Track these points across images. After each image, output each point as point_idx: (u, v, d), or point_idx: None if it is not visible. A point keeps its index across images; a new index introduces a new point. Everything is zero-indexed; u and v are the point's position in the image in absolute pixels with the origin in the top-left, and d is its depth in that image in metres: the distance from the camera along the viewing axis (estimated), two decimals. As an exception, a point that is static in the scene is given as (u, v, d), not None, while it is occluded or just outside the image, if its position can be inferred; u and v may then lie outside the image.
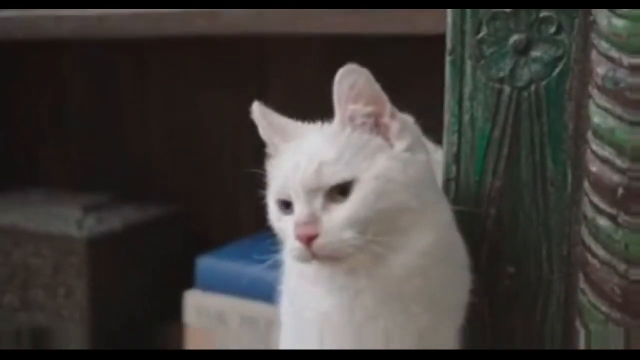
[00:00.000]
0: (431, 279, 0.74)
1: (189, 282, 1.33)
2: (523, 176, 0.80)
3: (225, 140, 1.51)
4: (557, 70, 0.78)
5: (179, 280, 1.35)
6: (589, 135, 0.75)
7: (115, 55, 1.55)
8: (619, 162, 0.73)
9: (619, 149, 0.72)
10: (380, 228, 0.71)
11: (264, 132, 0.79)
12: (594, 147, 0.75)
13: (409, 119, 0.79)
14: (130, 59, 1.55)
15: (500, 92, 0.80)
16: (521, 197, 0.80)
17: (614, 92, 0.72)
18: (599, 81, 0.73)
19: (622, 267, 0.73)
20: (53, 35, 1.21)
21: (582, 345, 0.77)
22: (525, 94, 0.79)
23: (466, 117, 0.81)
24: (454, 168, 0.83)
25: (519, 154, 0.80)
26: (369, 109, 0.74)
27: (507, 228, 0.81)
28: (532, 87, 0.79)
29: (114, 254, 1.40)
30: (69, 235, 1.38)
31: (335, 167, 0.72)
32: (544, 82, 0.78)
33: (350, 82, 0.73)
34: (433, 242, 0.73)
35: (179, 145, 1.55)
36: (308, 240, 0.70)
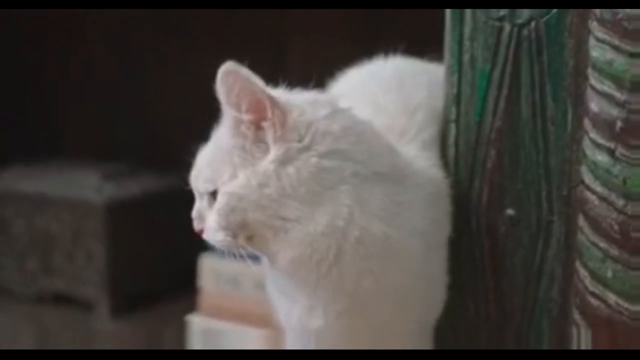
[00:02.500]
0: None
1: (205, 247, 1.34)
2: (523, 115, 0.79)
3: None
4: (557, 6, 0.77)
5: (196, 246, 1.36)
6: (589, 70, 0.74)
7: (138, 25, 1.57)
8: (617, 95, 0.71)
9: (618, 82, 0.71)
10: (250, 235, 0.73)
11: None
12: (592, 81, 0.73)
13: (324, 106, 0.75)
14: (152, 29, 1.57)
15: (500, 30, 0.79)
16: (521, 137, 0.79)
17: (612, 22, 0.71)
18: (598, 13, 0.72)
19: (620, 202, 0.71)
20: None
21: (581, 286, 0.75)
22: (525, 31, 0.78)
23: (466, 57, 0.81)
24: (454, 110, 0.81)
25: (519, 93, 0.79)
26: (249, 116, 0.72)
27: (508, 169, 0.80)
28: (532, 25, 0.78)
29: (132, 220, 1.42)
30: (89, 201, 1.40)
31: (204, 174, 0.75)
32: (544, 19, 0.77)
33: (229, 84, 0.72)
34: (292, 259, 0.73)
35: (197, 115, 1.56)
36: (199, 233, 0.76)
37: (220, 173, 0.73)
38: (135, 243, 1.41)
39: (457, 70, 0.81)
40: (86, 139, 1.67)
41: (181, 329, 1.33)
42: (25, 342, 1.39)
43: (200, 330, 1.32)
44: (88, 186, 1.42)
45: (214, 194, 0.74)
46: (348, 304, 0.74)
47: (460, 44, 0.81)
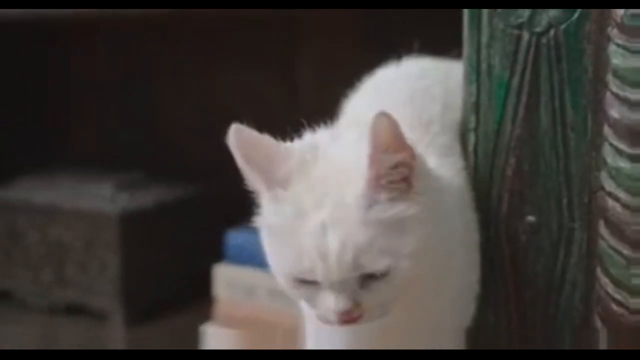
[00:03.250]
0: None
1: (219, 256, 1.34)
2: (543, 123, 0.79)
3: (255, 118, 1.52)
4: (576, 13, 0.76)
5: (209, 255, 1.36)
6: (609, 77, 0.74)
7: (148, 34, 1.57)
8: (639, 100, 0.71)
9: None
10: None
11: (246, 162, 0.70)
12: (613, 88, 0.73)
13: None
14: (162, 37, 1.57)
15: (518, 38, 0.79)
16: (541, 145, 0.79)
17: (633, 28, 0.71)
18: (618, 19, 0.72)
19: (643, 208, 0.72)
20: (86, 14, 1.23)
21: (603, 293, 0.75)
22: (544, 39, 0.78)
23: (484, 66, 0.80)
24: (473, 118, 0.81)
25: (539, 101, 0.79)
26: (398, 157, 0.66)
27: (528, 177, 0.80)
28: (551, 32, 0.77)
29: (145, 230, 1.42)
30: (102, 211, 1.40)
31: (371, 255, 0.65)
32: (562, 26, 0.77)
33: (382, 128, 0.65)
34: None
35: (209, 124, 1.56)
36: (350, 323, 0.67)
37: (392, 244, 0.66)
38: (149, 253, 1.41)
39: (476, 79, 0.80)
40: (99, 150, 1.68)
41: (195, 339, 1.33)
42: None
43: (215, 340, 1.32)
44: (101, 196, 1.42)
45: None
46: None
47: (478, 52, 0.80)
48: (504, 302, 0.82)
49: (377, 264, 0.65)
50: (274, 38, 1.49)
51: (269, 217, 0.69)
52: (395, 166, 0.66)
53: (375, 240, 0.65)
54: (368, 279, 0.66)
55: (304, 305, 0.78)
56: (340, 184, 0.66)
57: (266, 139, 0.70)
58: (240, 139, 0.69)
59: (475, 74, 0.81)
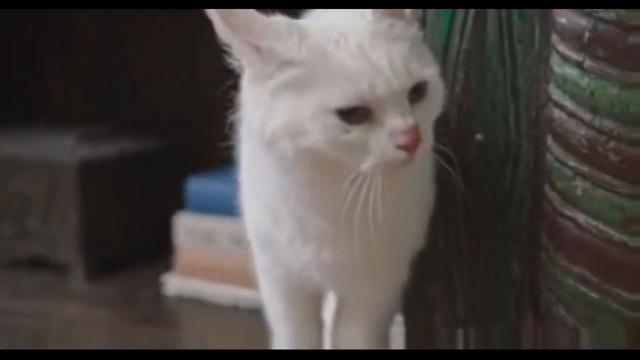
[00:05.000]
0: None
1: (181, 207, 1.32)
2: (489, 35, 0.76)
3: (220, 73, 1.50)
4: None
5: (172, 207, 1.34)
6: (556, -19, 0.71)
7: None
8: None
9: (585, -10, 0.68)
10: None
11: (240, 37, 0.68)
12: (560, -8, 0.71)
13: None
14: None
15: (465, -52, 0.76)
16: (489, 58, 0.76)
17: None
18: None
19: (588, 116, 0.69)
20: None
21: (549, 208, 0.73)
22: (490, -53, 0.75)
23: (431, -22, 0.78)
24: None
25: (485, 11, 0.76)
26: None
27: (475, 93, 0.78)
28: (498, -61, 0.75)
29: (106, 181, 1.39)
30: (62, 162, 1.37)
31: (415, 63, 0.67)
32: None
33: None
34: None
35: (174, 78, 1.55)
36: (415, 147, 0.66)
37: (422, 58, 0.69)
38: (110, 204, 1.38)
39: (422, -8, 0.78)
40: (67, 103, 1.66)
41: (157, 289, 1.31)
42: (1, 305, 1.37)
43: (176, 290, 1.29)
44: (62, 147, 1.40)
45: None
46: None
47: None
48: (453, 223, 0.80)
49: (424, 71, 0.68)
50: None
51: (284, 74, 0.67)
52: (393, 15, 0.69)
53: (411, 52, 0.68)
54: (414, 97, 0.67)
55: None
56: (350, 26, 0.68)
57: (249, 12, 0.68)
58: (233, 19, 0.67)
59: (421, -12, 0.78)
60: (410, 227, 0.77)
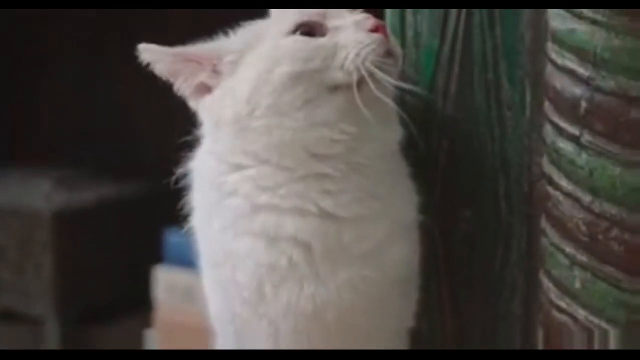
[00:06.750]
0: None
1: (159, 258, 1.25)
2: (476, 100, 0.68)
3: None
4: (511, -29, 0.65)
5: (150, 255, 1.26)
6: (548, 44, 0.63)
7: (100, 31, 1.50)
8: (581, 70, 0.60)
9: (581, 54, 0.60)
10: None
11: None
12: (553, 55, 0.62)
13: None
14: (115, 35, 1.49)
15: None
16: (475, 124, 0.68)
17: (572, -14, 0.60)
18: (554, -24, 0.61)
19: (586, 198, 0.60)
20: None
21: (545, 299, 0.64)
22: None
23: (409, 34, 0.69)
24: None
25: (472, 72, 0.68)
26: None
27: (461, 162, 0.69)
28: (483, -7, 0.66)
29: (82, 229, 1.31)
30: (36, 210, 1.30)
31: None
32: (496, -14, 0.66)
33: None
34: None
35: (155, 124, 1.50)
36: (384, 28, 0.66)
37: None
38: (85, 254, 1.31)
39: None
40: (44, 147, 1.60)
41: (136, 343, 1.24)
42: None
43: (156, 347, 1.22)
44: (37, 194, 1.33)
45: None
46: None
47: (402, 19, 0.69)
48: (438, 307, 0.71)
49: None
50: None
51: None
52: None
53: None
54: None
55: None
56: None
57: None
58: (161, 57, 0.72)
59: (400, 43, 0.69)
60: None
